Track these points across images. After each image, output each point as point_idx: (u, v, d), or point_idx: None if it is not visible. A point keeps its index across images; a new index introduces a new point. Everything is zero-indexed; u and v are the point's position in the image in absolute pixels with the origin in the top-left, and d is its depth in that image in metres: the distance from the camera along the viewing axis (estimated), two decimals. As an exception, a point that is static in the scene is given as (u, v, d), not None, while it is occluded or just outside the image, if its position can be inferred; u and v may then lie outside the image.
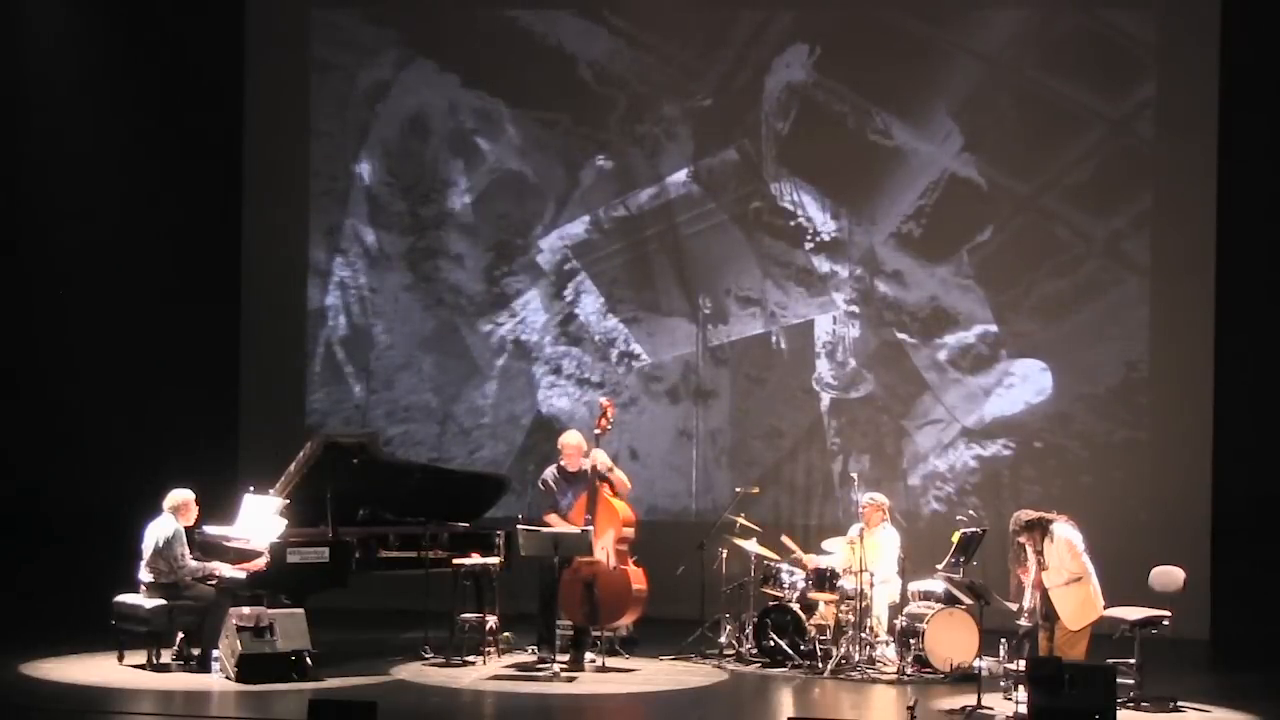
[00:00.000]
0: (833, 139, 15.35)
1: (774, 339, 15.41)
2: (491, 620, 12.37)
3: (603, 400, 13.13)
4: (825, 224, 15.37)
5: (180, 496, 11.91)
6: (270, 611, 11.45)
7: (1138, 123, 15.04)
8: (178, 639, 11.81)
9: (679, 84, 15.54)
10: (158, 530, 11.76)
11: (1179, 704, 11.29)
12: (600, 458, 12.58)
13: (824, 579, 12.52)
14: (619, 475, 12.72)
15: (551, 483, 12.79)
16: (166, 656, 11.77)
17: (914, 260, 15.23)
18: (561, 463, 12.79)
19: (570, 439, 12.88)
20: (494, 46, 15.71)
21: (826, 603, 12.60)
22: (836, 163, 15.35)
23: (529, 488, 14.79)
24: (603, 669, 12.20)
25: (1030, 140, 15.14)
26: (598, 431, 12.70)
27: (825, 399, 15.31)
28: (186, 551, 11.80)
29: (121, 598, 11.88)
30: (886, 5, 15.31)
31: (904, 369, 15.24)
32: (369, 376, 15.82)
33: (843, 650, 12.28)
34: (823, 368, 15.32)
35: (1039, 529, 11.33)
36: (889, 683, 12.00)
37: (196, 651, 11.74)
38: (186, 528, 11.94)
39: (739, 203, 15.48)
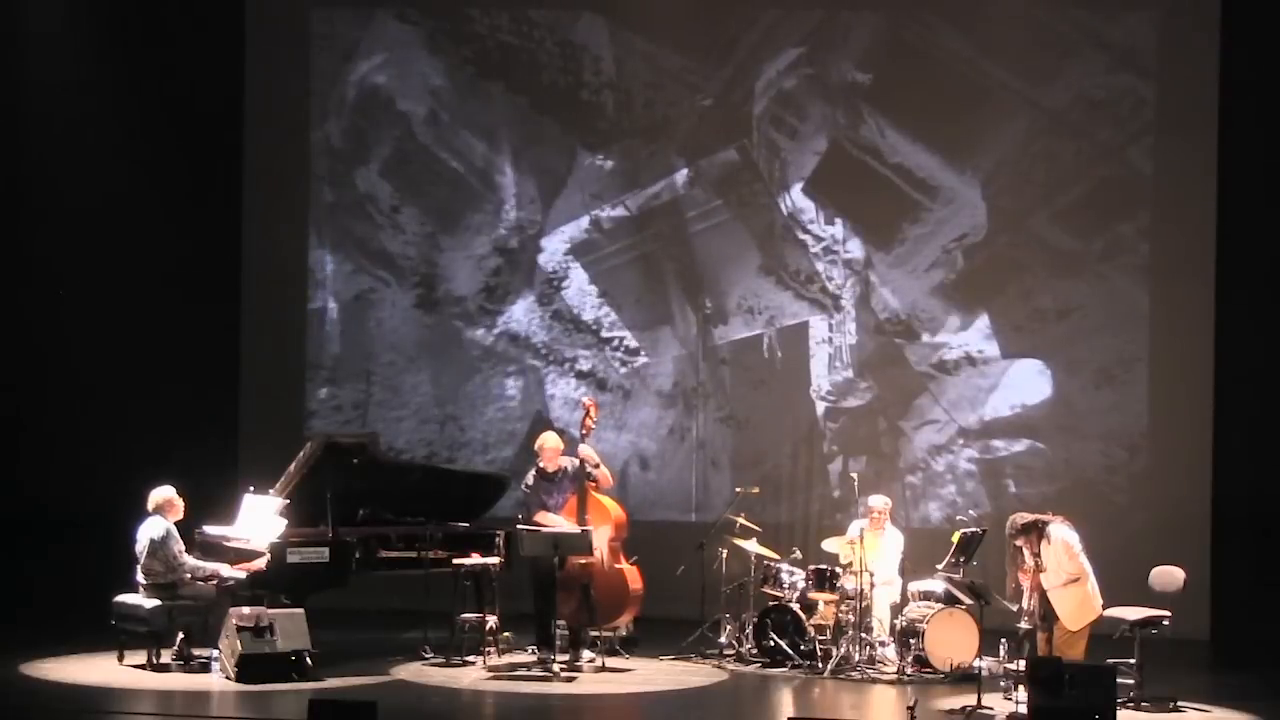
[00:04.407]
0: (830, 141, 15.35)
1: (773, 340, 15.41)
2: (491, 620, 12.37)
3: (585, 400, 13.16)
4: (825, 226, 15.36)
5: (162, 494, 11.86)
6: (270, 611, 11.45)
7: (1138, 125, 15.03)
8: (178, 639, 11.80)
9: (681, 83, 15.53)
10: (149, 531, 11.74)
11: (1179, 704, 11.30)
12: (587, 453, 12.57)
13: (824, 579, 12.53)
14: (604, 471, 12.73)
15: (532, 484, 12.76)
16: (167, 656, 11.76)
17: (912, 261, 15.23)
18: (540, 464, 12.76)
19: (548, 440, 12.84)
20: (495, 47, 15.71)
21: (826, 603, 12.60)
22: (835, 165, 15.34)
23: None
24: (602, 669, 12.20)
25: (1029, 142, 15.13)
26: (583, 432, 12.70)
27: (824, 401, 15.32)
28: (182, 548, 11.79)
29: (121, 598, 11.87)
30: (884, 9, 15.29)
31: (902, 370, 15.23)
32: (369, 376, 15.82)
33: (843, 650, 12.28)
34: (820, 375, 15.31)
35: (1035, 531, 11.31)
36: (889, 683, 12.00)
37: (197, 652, 11.73)
38: (186, 525, 11.93)
39: (739, 203, 15.47)
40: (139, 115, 15.47)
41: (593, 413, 12.77)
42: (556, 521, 12.44)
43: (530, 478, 12.79)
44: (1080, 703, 9.82)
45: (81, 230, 15.55)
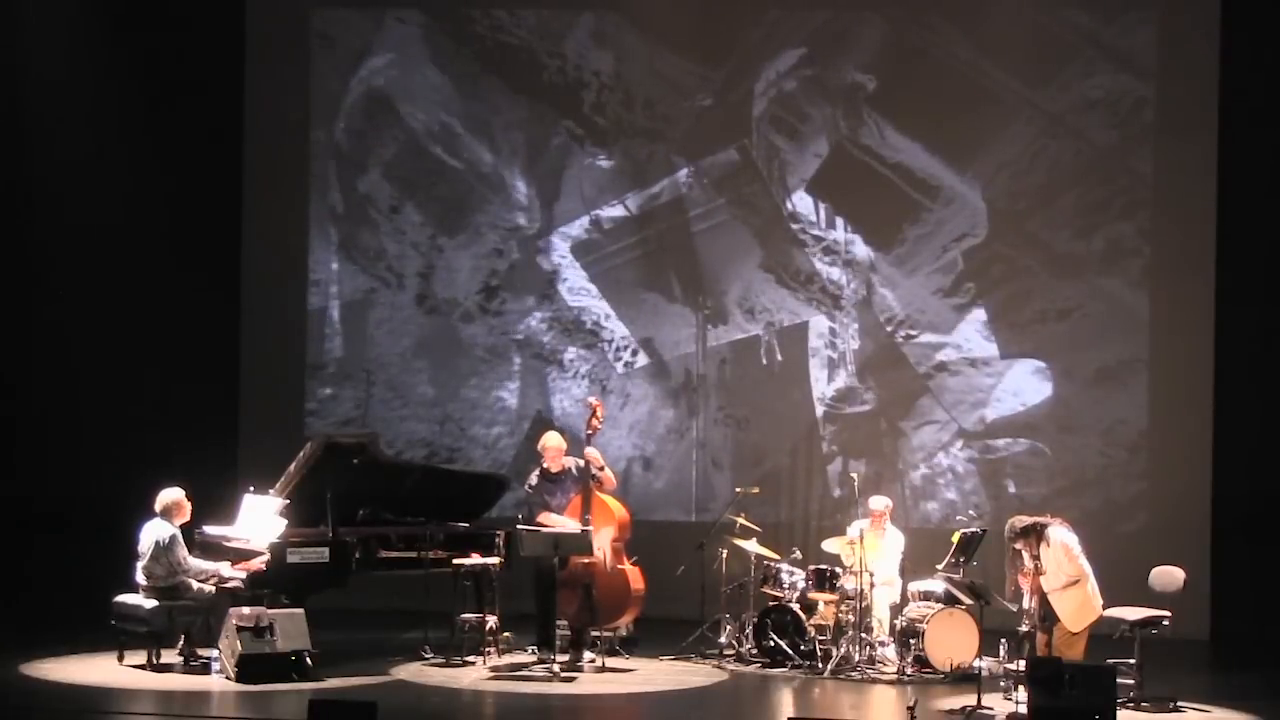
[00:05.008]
0: (830, 142, 15.36)
1: (773, 340, 15.41)
2: (491, 620, 12.36)
3: (592, 400, 13.14)
4: (826, 226, 15.36)
5: (171, 497, 11.82)
6: (270, 611, 11.43)
7: (1138, 126, 15.03)
8: (180, 640, 11.76)
9: (681, 83, 15.53)
10: (153, 534, 11.70)
11: (1179, 704, 11.30)
12: (592, 454, 12.57)
13: (824, 579, 12.53)
14: (608, 473, 12.74)
15: (536, 484, 12.76)
16: (169, 657, 11.72)
17: (913, 262, 15.23)
18: (544, 464, 12.76)
19: (550, 440, 12.84)
20: (495, 47, 15.71)
21: (826, 603, 12.60)
22: (835, 165, 15.35)
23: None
24: (602, 669, 12.20)
25: (1030, 143, 15.13)
26: (589, 432, 12.69)
27: (824, 401, 15.32)
28: (187, 554, 11.76)
29: (121, 598, 11.86)
30: (885, 11, 15.29)
31: (902, 370, 15.23)
32: (369, 376, 15.81)
33: (843, 650, 12.28)
34: (819, 376, 15.30)
35: (1034, 534, 11.30)
36: (889, 683, 12.00)
37: (203, 653, 11.67)
38: (186, 526, 11.92)
39: (740, 203, 15.47)
40: (139, 115, 15.47)
41: (599, 413, 12.76)
42: (559, 522, 12.43)
43: (533, 478, 12.79)
44: (1080, 703, 9.82)
45: (81, 230, 15.55)
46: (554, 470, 12.69)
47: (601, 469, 12.64)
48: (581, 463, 12.55)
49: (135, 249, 15.54)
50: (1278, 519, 14.47)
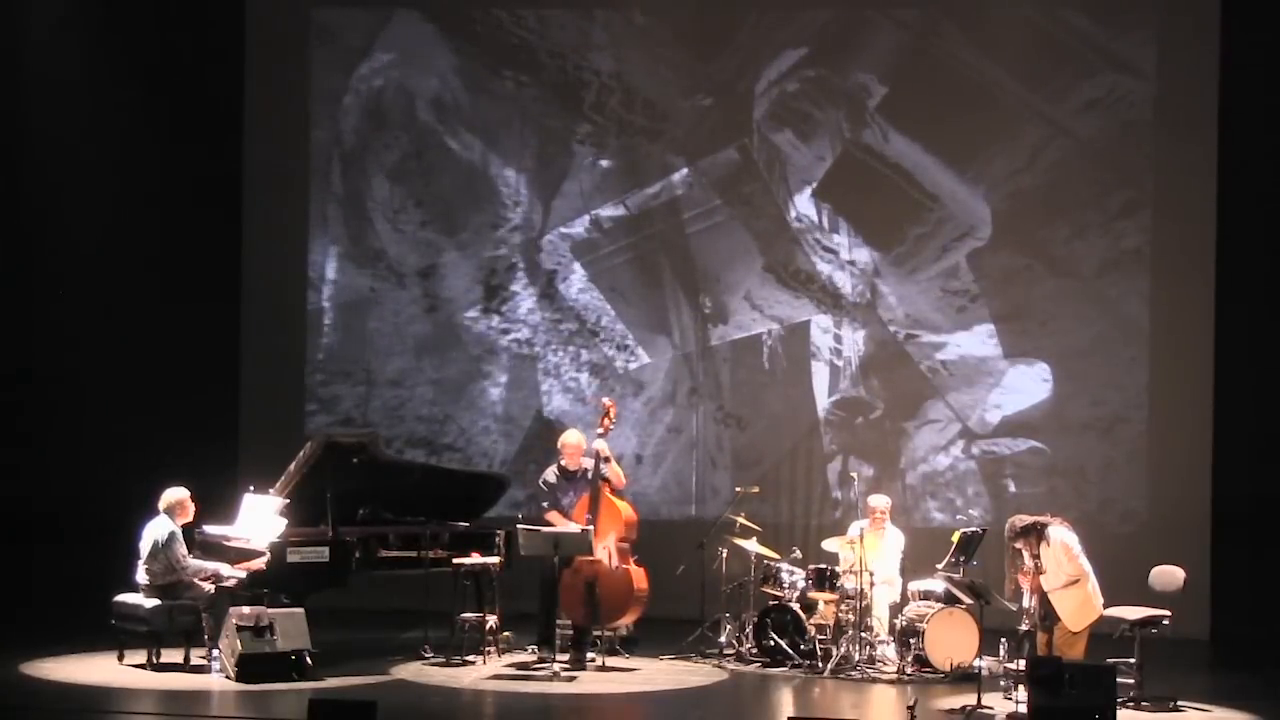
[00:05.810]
0: (831, 143, 15.35)
1: (774, 339, 15.41)
2: (491, 620, 12.37)
3: (605, 400, 13.14)
4: (826, 226, 15.36)
5: (175, 495, 11.84)
6: (270, 611, 11.44)
7: (1139, 126, 15.03)
8: (206, 639, 11.72)
9: (681, 82, 15.54)
10: (154, 532, 11.72)
11: (1179, 704, 11.30)
12: (602, 447, 12.57)
13: (824, 578, 12.53)
14: (615, 468, 12.74)
15: (553, 481, 12.80)
16: (169, 656, 11.72)
17: (913, 262, 15.23)
18: (562, 462, 12.80)
19: (570, 438, 12.90)
20: (496, 46, 15.72)
21: (826, 602, 12.60)
22: (836, 166, 15.35)
23: (529, 487, 14.82)
24: (603, 669, 12.20)
25: (1031, 144, 15.13)
26: (600, 431, 12.70)
27: (824, 401, 15.32)
28: (186, 552, 11.76)
29: (121, 598, 11.86)
30: (887, 12, 15.28)
31: (903, 370, 15.23)
32: (369, 376, 15.81)
33: (843, 650, 12.28)
34: (820, 375, 15.30)
35: (1034, 534, 11.31)
36: (889, 682, 12.00)
37: (217, 652, 11.65)
38: (187, 525, 11.92)
39: (740, 203, 15.47)
40: (138, 115, 15.47)
41: (611, 413, 12.78)
42: (563, 523, 12.44)
43: (551, 474, 12.82)
44: (1080, 703, 9.82)
45: (82, 230, 15.55)
46: (571, 468, 12.72)
47: (608, 460, 12.62)
48: (595, 464, 12.58)
49: (135, 248, 15.54)
50: (1278, 519, 14.47)
